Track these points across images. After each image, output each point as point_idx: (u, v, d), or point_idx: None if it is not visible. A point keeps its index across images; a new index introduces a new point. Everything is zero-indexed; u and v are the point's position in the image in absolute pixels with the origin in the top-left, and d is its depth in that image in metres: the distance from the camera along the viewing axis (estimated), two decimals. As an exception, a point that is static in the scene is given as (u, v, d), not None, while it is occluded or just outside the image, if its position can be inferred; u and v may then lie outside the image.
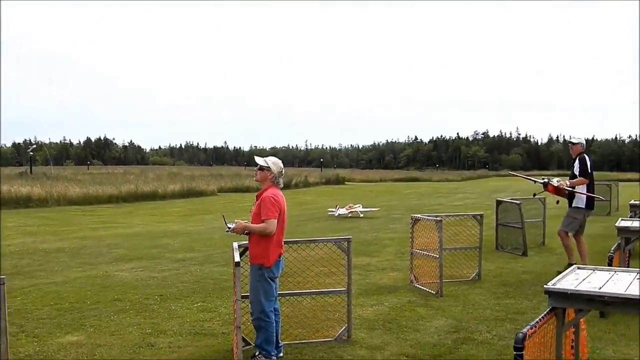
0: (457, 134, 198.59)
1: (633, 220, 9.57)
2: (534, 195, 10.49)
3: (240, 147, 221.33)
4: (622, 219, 9.30)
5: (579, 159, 10.13)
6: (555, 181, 10.14)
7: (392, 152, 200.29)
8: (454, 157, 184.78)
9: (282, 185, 6.06)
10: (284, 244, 6.06)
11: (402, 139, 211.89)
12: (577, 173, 10.07)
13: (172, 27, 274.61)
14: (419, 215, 9.57)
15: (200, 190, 39.18)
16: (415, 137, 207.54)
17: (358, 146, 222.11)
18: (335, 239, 6.71)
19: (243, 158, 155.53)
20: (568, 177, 10.38)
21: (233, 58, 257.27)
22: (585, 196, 9.99)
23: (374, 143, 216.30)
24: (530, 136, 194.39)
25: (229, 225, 5.77)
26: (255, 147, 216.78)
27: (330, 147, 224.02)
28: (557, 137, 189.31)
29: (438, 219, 8.89)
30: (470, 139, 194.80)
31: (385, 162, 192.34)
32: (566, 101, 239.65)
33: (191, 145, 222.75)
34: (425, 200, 33.35)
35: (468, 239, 10.75)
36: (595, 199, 10.29)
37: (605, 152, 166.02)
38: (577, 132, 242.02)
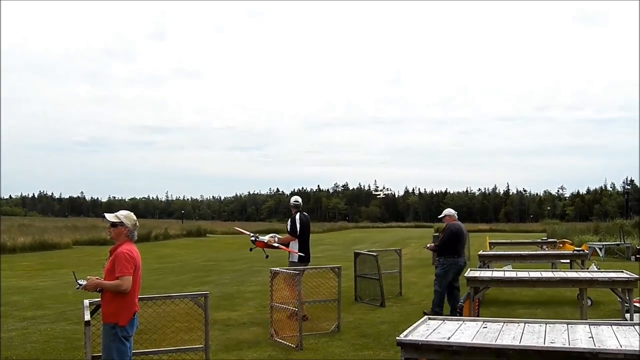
0: (318, 186, 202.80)
1: (481, 270, 10.12)
2: (250, 249, 11.45)
3: (98, 198, 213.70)
4: (471, 269, 9.82)
5: (290, 218, 11.28)
6: (267, 237, 11.11)
7: (255, 204, 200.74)
8: (316, 209, 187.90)
9: (136, 239, 5.86)
10: (139, 300, 5.86)
11: (264, 190, 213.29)
12: (288, 230, 11.24)
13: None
14: (277, 269, 9.61)
15: (53, 243, 37.17)
16: (277, 189, 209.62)
17: (220, 198, 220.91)
18: (191, 294, 6.59)
19: (101, 209, 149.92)
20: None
21: (87, 101, 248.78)
22: (297, 251, 11.09)
23: (236, 194, 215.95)
24: (387, 188, 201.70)
25: (79, 282, 5.50)
26: (114, 197, 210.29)
27: (191, 199, 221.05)
28: (413, 189, 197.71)
29: (296, 272, 8.96)
30: (331, 191, 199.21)
31: (247, 213, 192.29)
32: (418, 156, 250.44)
33: (45, 195, 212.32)
34: (287, 253, 33.44)
35: (328, 290, 10.87)
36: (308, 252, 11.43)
37: (457, 204, 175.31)
38: (432, 184, 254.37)
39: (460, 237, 11.12)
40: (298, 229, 11.04)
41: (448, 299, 11.10)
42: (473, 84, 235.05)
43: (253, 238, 10.96)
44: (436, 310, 10.68)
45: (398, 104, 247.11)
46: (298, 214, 11.20)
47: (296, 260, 11.03)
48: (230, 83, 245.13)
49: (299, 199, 11.53)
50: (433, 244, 11.58)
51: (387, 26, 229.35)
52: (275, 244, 10.93)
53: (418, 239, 46.71)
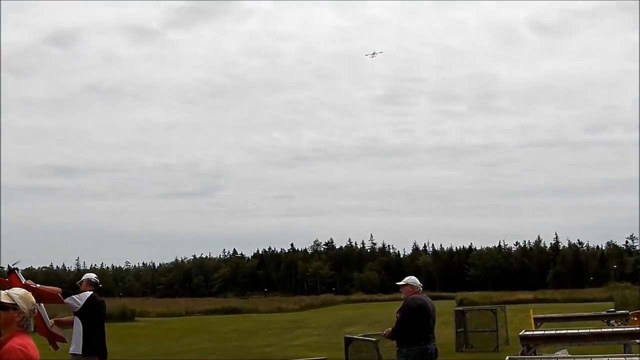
0: (292, 244, 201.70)
1: (526, 359, 10.10)
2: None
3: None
4: (509, 357, 9.77)
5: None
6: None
7: (203, 272, 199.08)
8: (289, 277, 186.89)
9: (32, 329, 5.77)
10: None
11: (216, 253, 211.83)
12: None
13: None
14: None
15: None
16: (234, 250, 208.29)
17: (153, 265, 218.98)
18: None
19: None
20: None
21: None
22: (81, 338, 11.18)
23: (177, 260, 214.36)
24: (389, 246, 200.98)
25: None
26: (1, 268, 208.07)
27: (113, 267, 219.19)
28: (425, 246, 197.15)
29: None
30: (310, 251, 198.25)
31: (192, 286, 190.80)
32: (429, 199, 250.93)
33: None
34: (251, 341, 33.25)
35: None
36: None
37: (487, 265, 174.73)
38: (450, 239, 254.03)
39: (425, 315, 11.20)
40: (81, 303, 11.19)
41: None
42: (497, 91, 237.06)
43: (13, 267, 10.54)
44: None
45: (397, 127, 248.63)
46: (91, 292, 11.53)
47: (80, 353, 11.14)
48: (162, 103, 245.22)
49: (95, 277, 12.03)
50: (390, 329, 11.52)
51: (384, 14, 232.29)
52: (34, 285, 10.22)
53: (435, 316, 46.51)
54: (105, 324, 11.87)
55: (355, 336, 14.46)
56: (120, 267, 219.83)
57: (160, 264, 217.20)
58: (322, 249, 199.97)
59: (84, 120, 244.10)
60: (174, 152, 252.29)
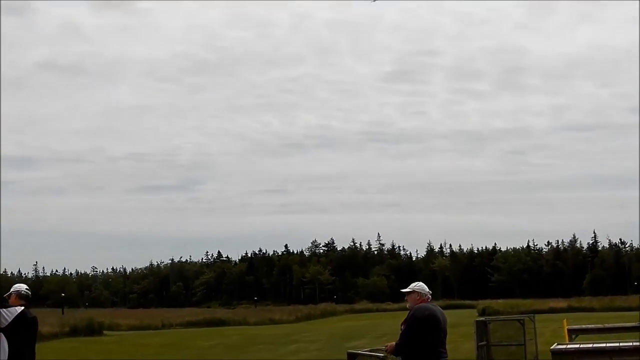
0: (286, 246, 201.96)
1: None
2: None
3: None
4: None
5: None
6: None
7: (182, 279, 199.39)
8: (282, 284, 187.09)
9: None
10: None
11: (197, 256, 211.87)
12: None
13: None
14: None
15: None
16: (219, 253, 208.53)
17: (124, 270, 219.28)
18: None
19: None
20: None
21: None
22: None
23: (152, 264, 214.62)
24: (399, 247, 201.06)
25: None
26: None
27: (78, 273, 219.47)
28: (441, 246, 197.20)
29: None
30: (307, 253, 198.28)
31: (170, 294, 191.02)
32: (445, 193, 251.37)
33: None
34: (238, 357, 33.00)
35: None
36: None
37: (514, 268, 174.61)
38: (470, 238, 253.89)
39: (434, 327, 11.10)
40: (10, 320, 11.05)
41: None
42: (526, 67, 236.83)
43: None
44: None
45: (408, 108, 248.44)
46: (22, 307, 11.38)
47: None
48: (133, 82, 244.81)
49: (26, 288, 11.88)
50: (394, 343, 11.32)
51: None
52: None
53: (451, 327, 46.29)
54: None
55: (360, 351, 14.06)
56: (86, 274, 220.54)
57: (132, 269, 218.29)
58: (322, 251, 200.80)
59: (41, 103, 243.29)
60: (147, 140, 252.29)
